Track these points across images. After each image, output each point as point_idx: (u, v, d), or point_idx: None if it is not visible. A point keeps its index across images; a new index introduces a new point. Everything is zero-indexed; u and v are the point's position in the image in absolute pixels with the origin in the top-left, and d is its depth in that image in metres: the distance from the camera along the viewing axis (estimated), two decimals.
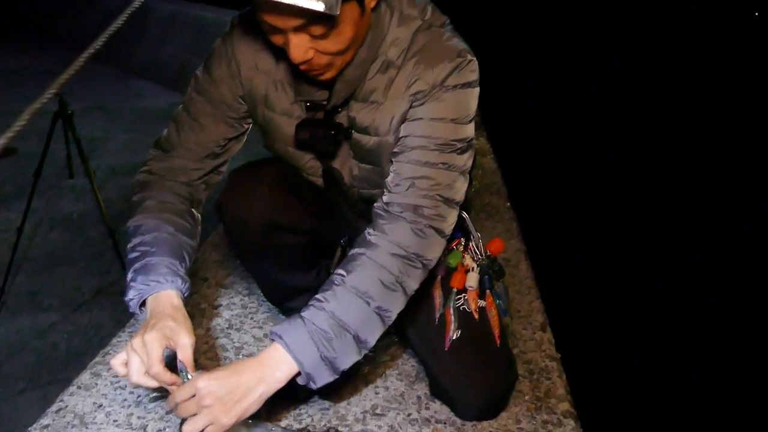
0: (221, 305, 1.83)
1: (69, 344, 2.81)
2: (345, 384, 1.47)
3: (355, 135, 1.38)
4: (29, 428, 1.36)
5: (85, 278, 3.32)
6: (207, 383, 1.13)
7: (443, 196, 1.28)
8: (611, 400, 1.84)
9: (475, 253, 1.54)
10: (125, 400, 1.45)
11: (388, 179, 1.31)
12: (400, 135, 1.31)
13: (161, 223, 1.35)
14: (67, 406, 1.43)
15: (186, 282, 1.32)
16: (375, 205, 1.32)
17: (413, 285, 1.28)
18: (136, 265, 1.29)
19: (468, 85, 1.29)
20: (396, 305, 1.26)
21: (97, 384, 1.50)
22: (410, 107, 1.30)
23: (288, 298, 1.66)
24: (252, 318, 1.79)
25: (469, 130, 1.32)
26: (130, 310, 1.31)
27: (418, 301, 1.37)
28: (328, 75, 1.27)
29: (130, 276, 1.29)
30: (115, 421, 1.39)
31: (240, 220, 1.45)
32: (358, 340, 1.22)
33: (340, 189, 1.50)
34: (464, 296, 1.50)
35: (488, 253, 1.56)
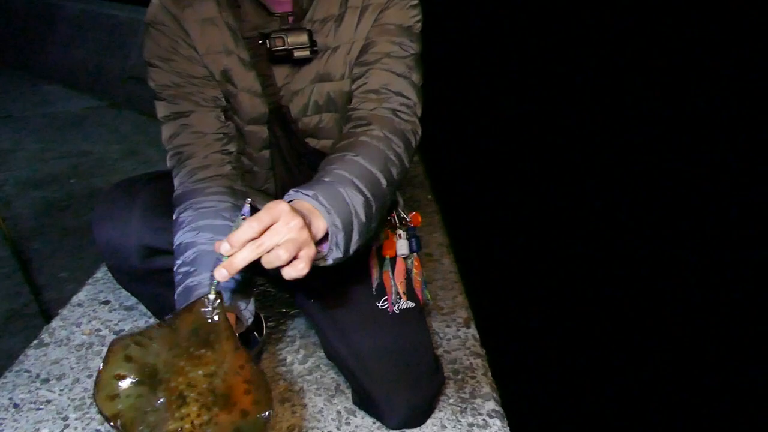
0: (123, 330, 1.70)
1: None
2: None
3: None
4: None
5: None
6: (288, 205, 0.97)
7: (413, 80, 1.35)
8: (539, 395, 1.81)
9: (402, 219, 1.51)
10: None
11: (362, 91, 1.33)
12: (367, 41, 1.34)
13: (197, 233, 1.25)
14: None
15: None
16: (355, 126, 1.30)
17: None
18: (179, 290, 1.22)
19: None
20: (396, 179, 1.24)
21: None
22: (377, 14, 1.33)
23: None
24: None
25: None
26: None
27: (354, 278, 1.39)
28: None
29: (176, 301, 1.23)
30: None
31: (113, 245, 1.34)
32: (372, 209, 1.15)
33: (289, 134, 1.41)
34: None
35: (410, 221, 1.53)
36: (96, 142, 5.13)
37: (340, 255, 1.09)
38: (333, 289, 1.42)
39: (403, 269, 1.44)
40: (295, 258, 0.95)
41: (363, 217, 1.12)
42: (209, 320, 1.00)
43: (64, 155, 4.92)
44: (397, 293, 1.41)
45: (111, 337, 1.66)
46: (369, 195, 1.14)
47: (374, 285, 1.43)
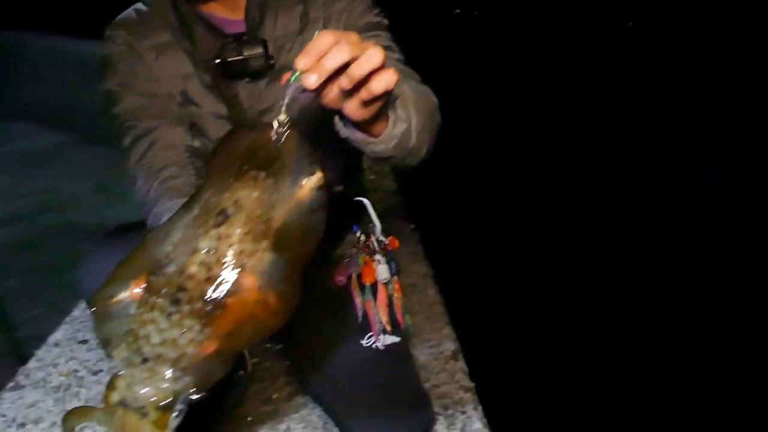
0: (102, 371, 1.64)
1: None
2: None
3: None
4: None
5: None
6: None
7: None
8: (532, 428, 1.79)
9: (381, 243, 1.44)
10: None
11: None
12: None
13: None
14: None
15: None
16: None
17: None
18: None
19: None
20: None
21: None
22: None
23: None
24: None
25: None
26: None
27: (335, 319, 1.37)
28: None
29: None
30: None
31: None
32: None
33: None
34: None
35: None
36: (67, 178, 5.05)
37: (405, 126, 0.99)
38: (314, 334, 1.38)
39: (385, 296, 1.41)
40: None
41: (415, 114, 1.02)
42: (275, 145, 0.79)
43: (34, 192, 4.83)
44: (381, 323, 1.39)
45: (89, 378, 1.60)
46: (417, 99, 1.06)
47: (359, 315, 1.39)
